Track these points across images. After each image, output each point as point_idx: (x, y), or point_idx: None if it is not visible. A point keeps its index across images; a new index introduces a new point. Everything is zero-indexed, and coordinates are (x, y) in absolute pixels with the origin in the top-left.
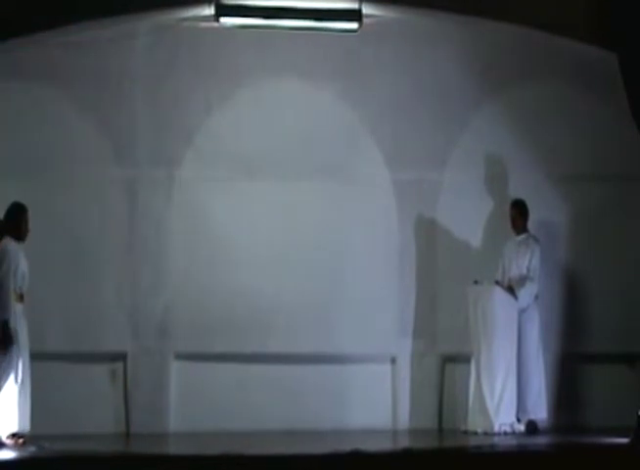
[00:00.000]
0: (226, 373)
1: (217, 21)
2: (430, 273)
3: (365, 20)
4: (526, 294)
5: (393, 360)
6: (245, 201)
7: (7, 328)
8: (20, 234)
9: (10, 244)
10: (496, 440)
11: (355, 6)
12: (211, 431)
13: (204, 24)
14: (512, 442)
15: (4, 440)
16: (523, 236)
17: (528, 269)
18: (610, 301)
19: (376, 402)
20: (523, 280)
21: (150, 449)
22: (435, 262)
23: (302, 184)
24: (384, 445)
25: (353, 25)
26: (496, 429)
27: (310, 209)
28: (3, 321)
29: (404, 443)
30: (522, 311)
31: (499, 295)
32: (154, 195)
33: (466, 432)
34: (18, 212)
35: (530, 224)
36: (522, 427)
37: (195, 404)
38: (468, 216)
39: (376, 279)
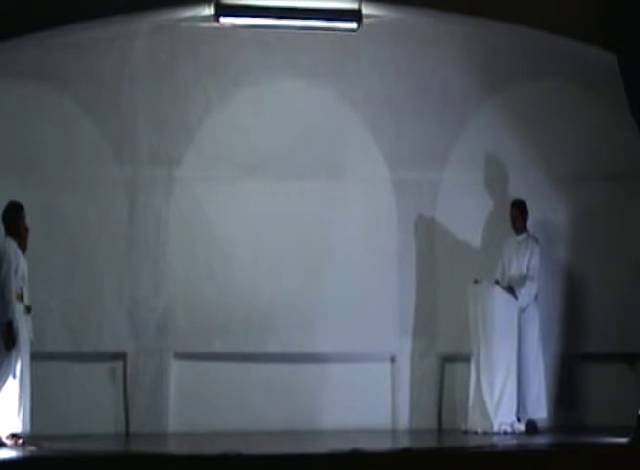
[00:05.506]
0: (226, 373)
1: (217, 20)
2: (430, 273)
3: (365, 19)
4: (526, 293)
5: (393, 360)
6: (244, 200)
7: (11, 328)
8: (18, 232)
9: (9, 243)
10: (496, 439)
11: (355, 6)
12: (211, 431)
13: (203, 24)
14: (512, 441)
15: (4, 440)
16: (522, 236)
17: (528, 269)
18: (610, 301)
19: (376, 402)
20: (522, 279)
21: (150, 449)
22: (435, 262)
23: (302, 184)
24: (384, 444)
25: (353, 25)
26: (496, 428)
27: (310, 208)
28: (7, 322)
29: (404, 443)
30: (522, 311)
31: (499, 294)
32: (153, 195)
33: (466, 431)
34: (14, 211)
35: (530, 224)
36: (521, 426)
37: (194, 404)
38: (468, 216)
39: (376, 279)
